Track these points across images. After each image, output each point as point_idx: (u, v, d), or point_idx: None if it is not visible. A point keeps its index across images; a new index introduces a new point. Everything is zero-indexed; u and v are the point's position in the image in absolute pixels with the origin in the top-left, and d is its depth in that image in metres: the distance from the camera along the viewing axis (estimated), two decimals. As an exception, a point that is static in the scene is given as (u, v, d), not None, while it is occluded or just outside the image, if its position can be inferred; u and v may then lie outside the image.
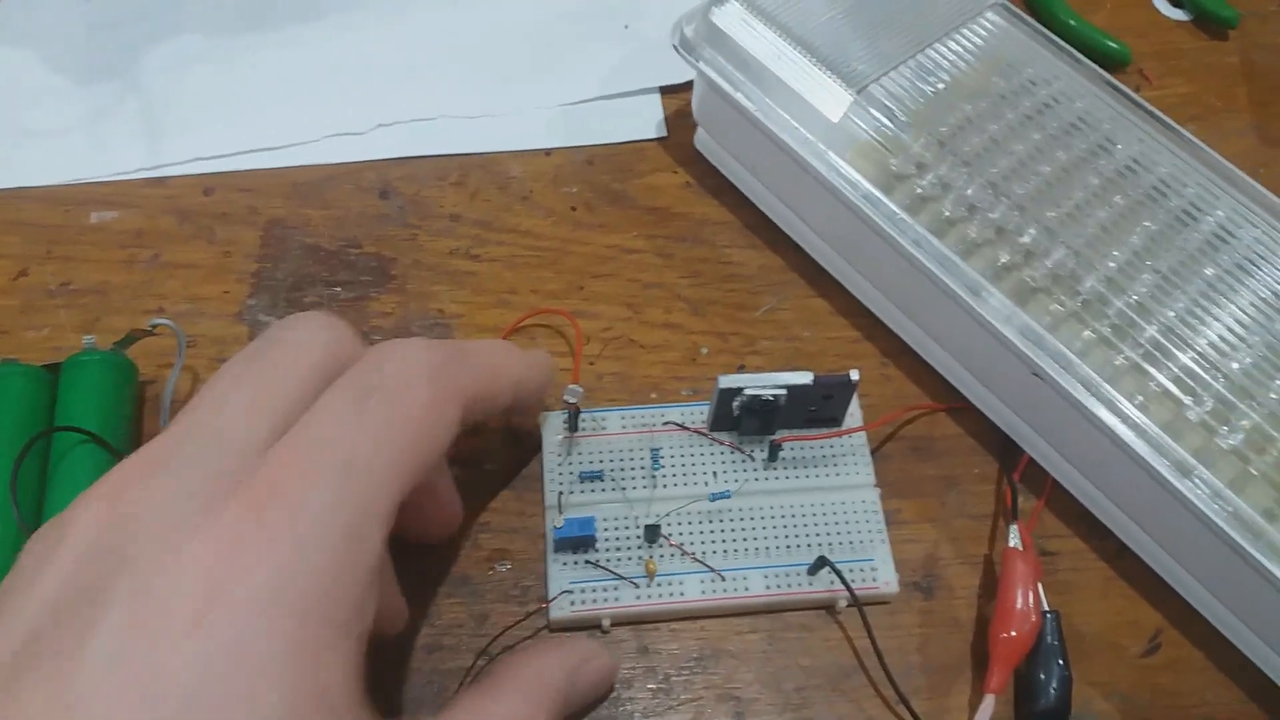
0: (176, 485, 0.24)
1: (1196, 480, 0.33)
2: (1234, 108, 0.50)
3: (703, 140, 0.46)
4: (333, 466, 0.25)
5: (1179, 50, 0.52)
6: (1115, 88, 0.41)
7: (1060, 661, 0.35)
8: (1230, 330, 0.36)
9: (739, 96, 0.40)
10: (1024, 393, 0.38)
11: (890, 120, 0.39)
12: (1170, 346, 0.35)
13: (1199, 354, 0.35)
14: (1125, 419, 0.34)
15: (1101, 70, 0.42)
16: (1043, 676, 0.34)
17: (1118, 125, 0.40)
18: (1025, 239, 0.37)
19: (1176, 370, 0.35)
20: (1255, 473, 0.33)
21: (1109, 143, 0.40)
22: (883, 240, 0.38)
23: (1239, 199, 0.39)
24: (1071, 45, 0.42)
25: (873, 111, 0.39)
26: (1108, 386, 0.35)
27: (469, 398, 0.29)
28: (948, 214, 0.38)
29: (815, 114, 0.39)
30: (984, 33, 0.42)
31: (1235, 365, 0.35)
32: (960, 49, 0.41)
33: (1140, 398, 0.35)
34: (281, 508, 0.24)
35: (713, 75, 0.41)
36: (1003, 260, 0.37)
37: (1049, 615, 0.35)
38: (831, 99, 0.39)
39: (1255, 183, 0.39)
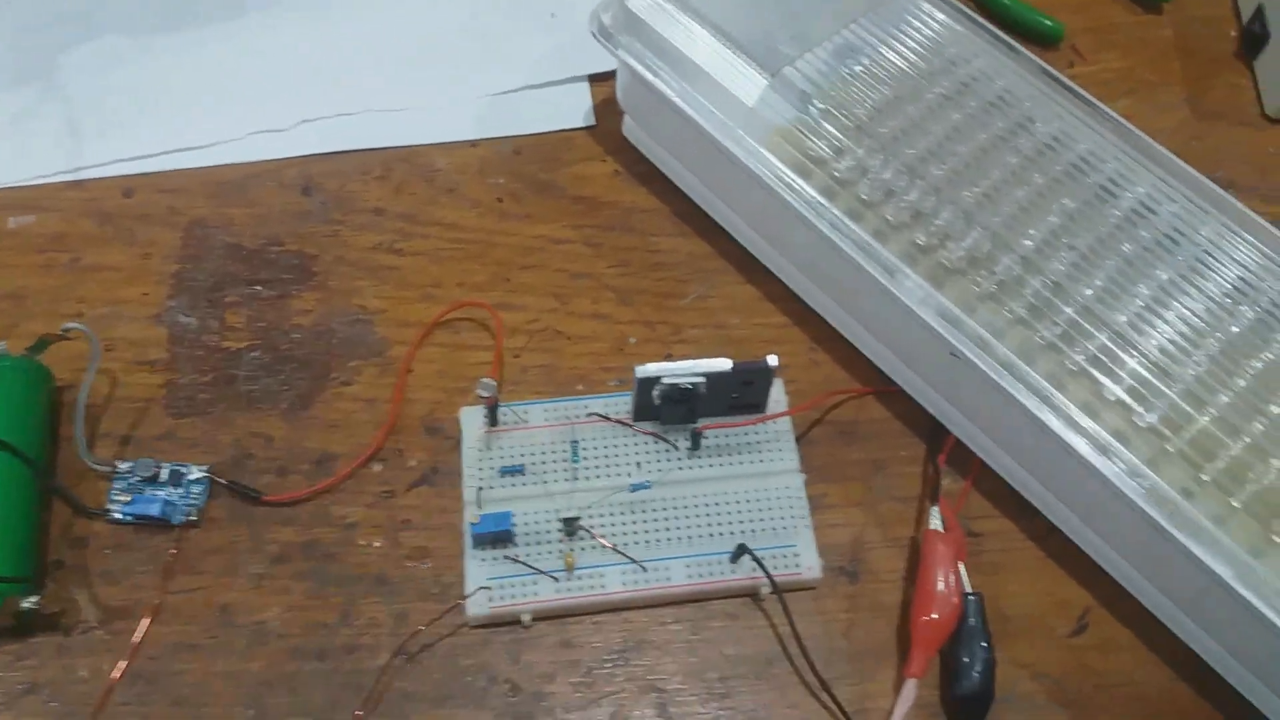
0: None
1: (1114, 458, 0.33)
2: (1168, 81, 0.49)
3: (630, 128, 0.45)
4: None
5: (1112, 25, 0.51)
6: (1039, 66, 0.41)
7: (984, 643, 0.34)
8: (1148, 308, 0.35)
9: (657, 83, 0.40)
10: (947, 374, 0.37)
11: (807, 104, 0.39)
12: (1087, 326, 0.35)
13: (1116, 333, 0.35)
14: (1043, 398, 0.34)
15: (1023, 48, 0.41)
16: (966, 659, 0.34)
17: (1038, 103, 0.40)
18: (941, 221, 0.37)
19: (1093, 349, 0.35)
20: (1172, 450, 0.33)
21: (1029, 121, 0.39)
22: (803, 225, 0.38)
23: (1160, 175, 0.38)
24: (1005, 23, 0.42)
25: (789, 95, 0.39)
26: (1025, 366, 0.35)
27: None
28: (864, 197, 0.37)
29: (731, 99, 0.39)
30: (905, 13, 0.42)
31: (1153, 343, 0.35)
32: (880, 29, 0.41)
33: (1058, 377, 0.34)
34: None
35: (631, 62, 0.40)
36: (919, 242, 0.37)
37: (971, 597, 0.35)
38: (746, 83, 0.39)
39: (1176, 158, 0.39)
